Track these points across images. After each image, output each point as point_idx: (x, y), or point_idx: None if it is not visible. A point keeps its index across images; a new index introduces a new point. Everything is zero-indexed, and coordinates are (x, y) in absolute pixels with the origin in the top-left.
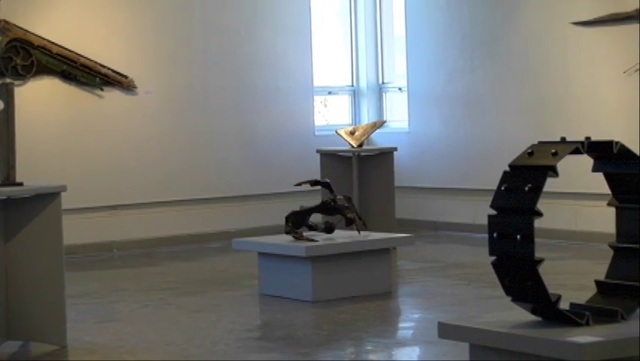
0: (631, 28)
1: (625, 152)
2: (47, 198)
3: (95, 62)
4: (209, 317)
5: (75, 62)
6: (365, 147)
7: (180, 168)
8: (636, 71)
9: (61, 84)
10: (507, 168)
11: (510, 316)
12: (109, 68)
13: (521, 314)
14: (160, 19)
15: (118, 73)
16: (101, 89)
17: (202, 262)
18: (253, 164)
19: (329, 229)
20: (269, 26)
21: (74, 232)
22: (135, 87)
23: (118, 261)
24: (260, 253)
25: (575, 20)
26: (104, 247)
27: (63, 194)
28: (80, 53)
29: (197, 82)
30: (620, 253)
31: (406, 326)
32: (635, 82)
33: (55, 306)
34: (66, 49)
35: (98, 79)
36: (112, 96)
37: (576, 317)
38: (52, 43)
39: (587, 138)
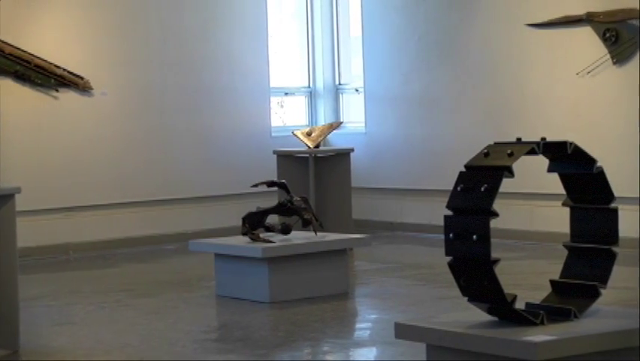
0: (583, 31)
1: (579, 152)
2: (1, 200)
3: (50, 63)
4: (166, 318)
5: (29, 63)
6: (322, 147)
7: (136, 169)
8: (589, 72)
9: (14, 85)
10: (463, 169)
11: (466, 316)
12: (64, 69)
13: (477, 314)
14: (116, 19)
15: (73, 74)
16: (57, 90)
17: (159, 263)
18: (210, 165)
19: (286, 230)
20: (226, 27)
21: (29, 234)
22: (91, 88)
23: (73, 263)
24: (217, 255)
25: (530, 22)
26: (59, 249)
27: (17, 196)
28: (33, 53)
29: (154, 83)
30: (574, 253)
31: (363, 327)
32: (586, 84)
33: (7, 309)
34: (19, 49)
35: (53, 80)
36: (67, 97)
37: (531, 316)
38: (5, 43)
39: (543, 139)
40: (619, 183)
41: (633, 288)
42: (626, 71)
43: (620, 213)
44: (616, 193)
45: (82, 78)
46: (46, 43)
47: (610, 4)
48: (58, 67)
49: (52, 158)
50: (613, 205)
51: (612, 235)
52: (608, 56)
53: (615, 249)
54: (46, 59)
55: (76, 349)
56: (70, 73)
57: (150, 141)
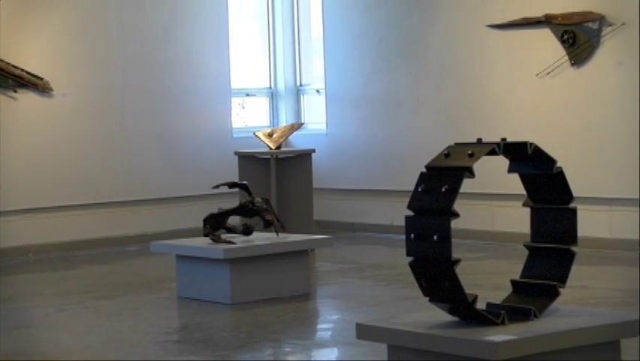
0: (542, 33)
1: (539, 153)
2: None
3: (8, 63)
4: (128, 320)
5: None
6: (283, 148)
7: (97, 170)
8: (548, 73)
9: None
10: (424, 170)
11: (427, 316)
12: (23, 70)
13: (439, 314)
14: (76, 20)
15: (32, 75)
16: (15, 91)
17: (120, 265)
18: (171, 166)
19: (247, 231)
20: (186, 28)
21: None
22: (51, 89)
23: (33, 265)
24: (178, 256)
25: (490, 23)
26: (18, 251)
27: None
28: None
29: (115, 84)
30: (534, 253)
31: (325, 328)
32: (546, 85)
33: None
34: None
35: (10, 80)
36: (26, 98)
37: (492, 316)
38: None
39: (503, 140)
40: (578, 183)
41: (590, 287)
42: (584, 72)
43: (578, 212)
44: (575, 193)
45: (41, 79)
46: (3, 43)
47: (567, 7)
48: (17, 67)
49: (11, 159)
50: (572, 205)
51: (571, 235)
52: (567, 57)
53: (574, 248)
54: (3, 59)
55: (36, 352)
56: (29, 73)
57: (111, 142)
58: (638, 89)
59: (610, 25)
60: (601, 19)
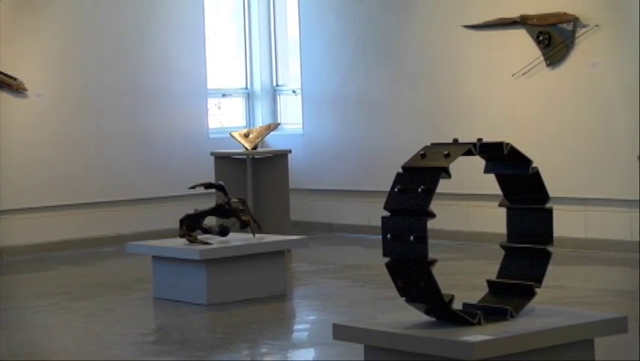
0: (518, 33)
1: (515, 153)
2: None
3: None
4: (104, 321)
5: None
6: (259, 149)
7: (73, 171)
8: (524, 74)
9: None
10: (400, 170)
11: (404, 316)
12: None
13: (415, 315)
14: (51, 20)
15: (6, 75)
16: None
17: (96, 266)
18: (147, 167)
19: (223, 231)
20: (162, 28)
21: None
22: (25, 90)
23: (8, 267)
24: (154, 257)
25: (466, 24)
26: None
27: None
28: None
29: (90, 84)
30: (510, 253)
31: (301, 328)
32: (522, 85)
33: None
34: None
35: None
36: (0, 99)
37: (468, 316)
38: None
39: (479, 140)
40: (553, 184)
41: (566, 287)
42: (559, 72)
43: (554, 213)
44: (550, 193)
45: (15, 79)
46: None
47: (543, 8)
48: None
49: None
50: (548, 205)
51: (547, 235)
52: (542, 58)
53: (550, 248)
54: None
55: (12, 354)
56: (3, 74)
57: (86, 142)
58: (639, 90)
59: (584, 26)
60: (575, 21)
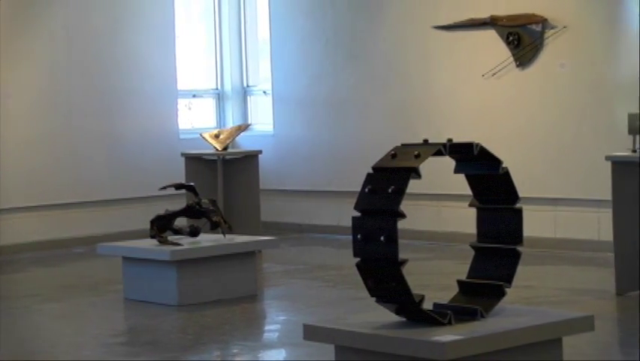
0: (488, 34)
1: (485, 153)
2: None
3: None
4: (74, 323)
5: None
6: (230, 150)
7: (43, 172)
8: (494, 74)
9: None
10: (371, 171)
11: (375, 317)
12: None
13: (386, 315)
14: (20, 20)
15: None
16: None
17: (66, 267)
18: (117, 168)
19: (194, 232)
20: (133, 28)
21: None
22: None
23: None
24: (125, 258)
25: (436, 25)
26: None
27: None
28: None
29: (60, 84)
30: (480, 253)
31: (272, 329)
32: (492, 86)
33: None
34: None
35: None
36: None
37: (439, 316)
38: None
39: (449, 140)
40: (523, 184)
41: (536, 286)
42: (529, 73)
43: (524, 212)
44: (520, 193)
45: None
46: None
47: (512, 9)
48: None
49: None
50: (517, 205)
51: (517, 235)
52: (512, 58)
53: (520, 248)
54: None
55: None
56: None
57: (57, 143)
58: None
59: (552, 27)
60: (544, 22)
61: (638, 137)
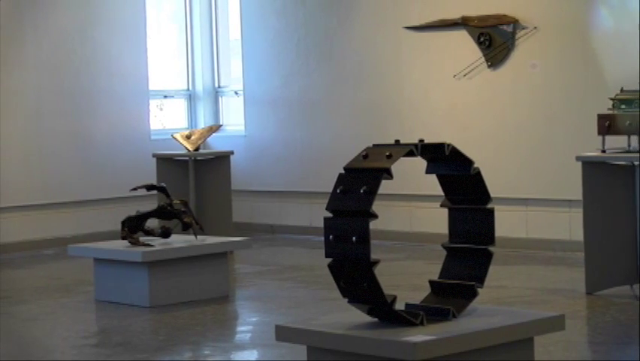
0: (459, 35)
1: (456, 154)
2: None
3: None
4: (44, 325)
5: None
6: (201, 150)
7: (12, 173)
8: (465, 75)
9: None
10: (342, 171)
11: (346, 317)
12: None
13: (358, 315)
14: None
15: None
16: None
17: (36, 269)
18: (88, 169)
19: (165, 233)
20: (103, 29)
21: None
22: None
23: None
24: (96, 259)
25: (408, 25)
26: None
27: None
28: None
29: (29, 85)
30: (452, 253)
31: (244, 330)
32: (463, 86)
33: None
34: None
35: None
36: None
37: (411, 316)
38: None
39: (421, 141)
40: (495, 184)
41: (507, 286)
42: (500, 73)
43: (495, 213)
44: (492, 194)
45: None
46: None
47: (483, 9)
48: None
49: None
50: (489, 206)
51: (488, 235)
52: (483, 59)
53: (491, 249)
54: None
55: None
56: None
57: (26, 144)
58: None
59: (523, 28)
60: (515, 23)
61: (632, 137)
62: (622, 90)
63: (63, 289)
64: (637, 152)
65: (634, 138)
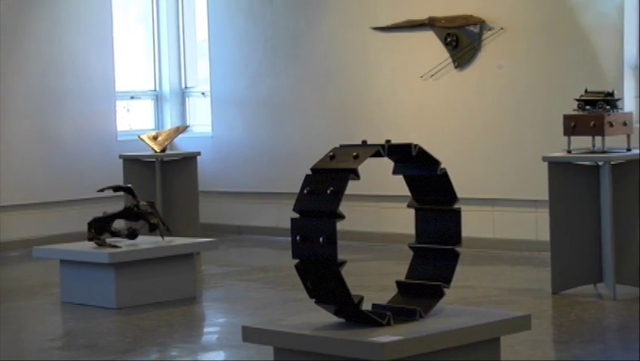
0: (426, 35)
1: (423, 154)
2: None
3: None
4: (9, 327)
5: None
6: (168, 151)
7: None
8: (432, 75)
9: None
10: (309, 172)
11: (314, 318)
12: None
13: (325, 316)
14: None
15: None
16: None
17: (1, 271)
18: (54, 170)
19: (132, 234)
20: (69, 29)
21: None
22: None
23: None
24: (62, 261)
25: (375, 26)
26: None
27: None
28: None
29: None
30: (419, 254)
31: (211, 331)
32: (430, 87)
33: None
34: None
35: None
36: None
37: (378, 317)
38: None
39: (387, 141)
40: (461, 184)
41: (474, 286)
42: (467, 74)
43: (462, 213)
44: (458, 194)
45: None
46: None
47: (450, 10)
48: None
49: None
50: (456, 206)
51: (455, 236)
52: (450, 59)
53: (458, 249)
54: None
55: None
56: None
57: None
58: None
59: (490, 29)
60: (481, 24)
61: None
62: (586, 91)
63: (28, 291)
64: (601, 152)
65: (598, 139)
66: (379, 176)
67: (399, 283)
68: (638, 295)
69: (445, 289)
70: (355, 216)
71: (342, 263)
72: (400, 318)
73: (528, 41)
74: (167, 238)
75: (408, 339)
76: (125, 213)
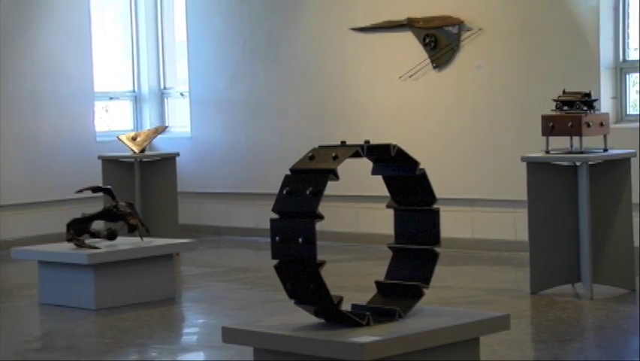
0: (405, 36)
1: (402, 155)
2: None
3: None
4: None
5: None
6: (147, 152)
7: None
8: (411, 76)
9: None
10: (288, 172)
11: (293, 318)
12: None
13: (304, 317)
14: None
15: None
16: None
17: None
18: (33, 171)
19: (111, 235)
20: (47, 29)
21: None
22: None
23: None
24: (40, 262)
25: (353, 27)
26: None
27: None
28: None
29: None
30: (398, 254)
31: (190, 332)
32: (409, 87)
33: None
34: None
35: None
36: None
37: (357, 317)
38: None
39: (366, 142)
40: (440, 185)
41: (453, 287)
42: (445, 75)
43: (441, 213)
44: (437, 195)
45: None
46: None
47: (429, 11)
48: None
49: None
50: (435, 207)
51: (434, 236)
52: (429, 60)
53: (437, 249)
54: None
55: None
56: None
57: None
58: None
59: (468, 30)
60: (460, 24)
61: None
62: (564, 92)
63: (6, 292)
64: (579, 153)
65: (576, 139)
66: (358, 176)
67: (378, 284)
68: (614, 294)
69: (424, 290)
70: (334, 217)
71: (322, 264)
72: (379, 318)
73: (506, 42)
74: (146, 239)
75: (387, 339)
76: (104, 214)
